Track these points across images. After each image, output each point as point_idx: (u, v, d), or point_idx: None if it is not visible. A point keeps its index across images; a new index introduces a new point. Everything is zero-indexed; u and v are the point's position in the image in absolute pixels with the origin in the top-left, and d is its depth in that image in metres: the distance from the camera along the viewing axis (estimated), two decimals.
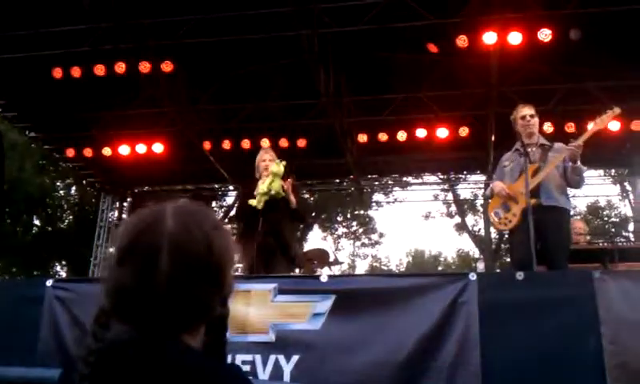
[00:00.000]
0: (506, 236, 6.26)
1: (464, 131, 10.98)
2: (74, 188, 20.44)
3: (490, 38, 8.64)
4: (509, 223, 5.37)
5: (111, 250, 1.22)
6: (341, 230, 28.07)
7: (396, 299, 3.53)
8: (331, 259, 9.06)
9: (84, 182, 15.53)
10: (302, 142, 11.36)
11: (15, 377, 2.54)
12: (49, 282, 4.09)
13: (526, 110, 5.64)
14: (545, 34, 8.65)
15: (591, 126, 5.49)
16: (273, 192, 5.53)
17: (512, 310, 3.39)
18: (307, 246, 21.10)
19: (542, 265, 4.85)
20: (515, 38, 8.66)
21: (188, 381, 1.09)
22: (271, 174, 5.57)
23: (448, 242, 59.33)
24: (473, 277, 3.49)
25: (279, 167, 5.60)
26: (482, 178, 13.17)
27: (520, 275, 3.49)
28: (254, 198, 5.60)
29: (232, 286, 1.23)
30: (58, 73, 9.95)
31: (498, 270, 20.71)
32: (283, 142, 11.17)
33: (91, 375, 1.09)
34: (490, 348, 3.28)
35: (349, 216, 27.43)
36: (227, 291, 1.21)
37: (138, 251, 1.15)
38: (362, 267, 29.92)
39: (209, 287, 1.16)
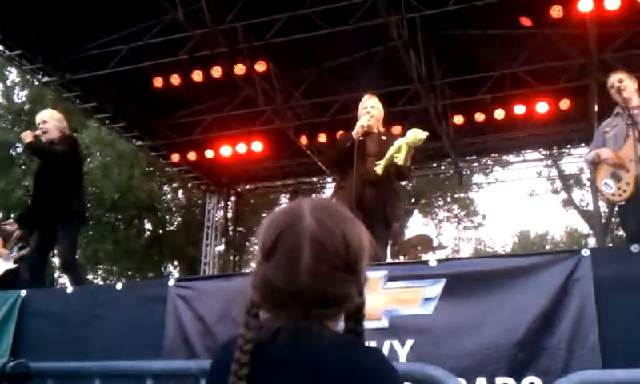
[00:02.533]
0: (617, 209, 5.97)
1: (565, 104, 10.62)
2: (180, 191, 21.28)
3: (585, 4, 8.29)
4: (624, 194, 5.12)
5: (256, 246, 1.37)
6: (442, 215, 27.70)
7: (507, 280, 3.50)
8: (435, 244, 9.01)
9: (189, 184, 16.18)
10: (396, 129, 11.31)
11: (159, 370, 2.72)
12: (171, 282, 4.34)
13: (613, 78, 5.43)
14: None
15: None
16: (396, 161, 5.15)
17: (629, 285, 3.27)
18: (409, 233, 21.00)
19: None
20: (612, 2, 8.28)
21: (342, 360, 1.21)
22: (405, 144, 5.13)
23: (555, 220, 57.05)
24: (586, 252, 3.39)
25: (418, 137, 5.14)
26: (587, 150, 12.66)
27: (635, 248, 3.36)
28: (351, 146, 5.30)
29: (366, 276, 1.33)
30: (158, 82, 10.45)
31: (610, 245, 19.83)
32: None
33: (251, 362, 1.21)
34: (608, 325, 3.18)
35: (449, 199, 27.03)
36: (363, 281, 1.31)
37: (281, 249, 1.27)
38: (465, 251, 29.36)
39: (347, 279, 1.26)
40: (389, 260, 7.12)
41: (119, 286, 4.61)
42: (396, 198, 5.55)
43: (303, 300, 1.24)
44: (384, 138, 5.53)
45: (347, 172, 5.36)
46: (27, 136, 6.04)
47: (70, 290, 4.87)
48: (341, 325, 1.33)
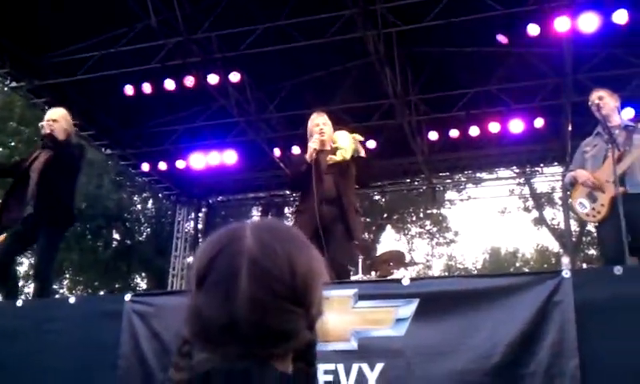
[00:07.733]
0: (587, 228, 5.95)
1: (539, 122, 10.63)
2: (150, 201, 20.95)
3: (562, 24, 8.28)
4: (598, 215, 5.10)
5: (192, 271, 1.12)
6: (414, 230, 27.66)
7: (484, 301, 3.34)
8: (407, 260, 8.90)
9: (160, 195, 15.90)
10: (371, 144, 11.23)
11: None
12: (127, 297, 4.12)
13: (593, 94, 5.41)
14: (620, 16, 8.25)
15: None
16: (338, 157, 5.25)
17: (612, 308, 3.15)
18: (381, 248, 20.93)
19: (634, 256, 4.60)
20: (589, 23, 8.30)
21: None
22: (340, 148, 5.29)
23: (525, 238, 57.41)
24: (567, 274, 3.26)
25: (351, 143, 5.36)
26: (560, 169, 12.71)
27: (618, 270, 3.24)
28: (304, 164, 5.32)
29: (321, 308, 1.11)
30: (130, 90, 10.22)
31: (584, 265, 19.97)
32: None
33: None
34: (589, 350, 3.05)
35: (421, 215, 27.00)
36: (315, 314, 1.09)
37: (216, 274, 1.06)
38: (437, 267, 29.35)
39: (293, 310, 1.05)
40: (360, 275, 7.00)
41: (72, 299, 4.38)
42: (355, 214, 5.41)
43: (240, 335, 1.02)
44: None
45: (307, 194, 5.26)
46: (47, 127, 5.82)
47: (19, 303, 4.60)
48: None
